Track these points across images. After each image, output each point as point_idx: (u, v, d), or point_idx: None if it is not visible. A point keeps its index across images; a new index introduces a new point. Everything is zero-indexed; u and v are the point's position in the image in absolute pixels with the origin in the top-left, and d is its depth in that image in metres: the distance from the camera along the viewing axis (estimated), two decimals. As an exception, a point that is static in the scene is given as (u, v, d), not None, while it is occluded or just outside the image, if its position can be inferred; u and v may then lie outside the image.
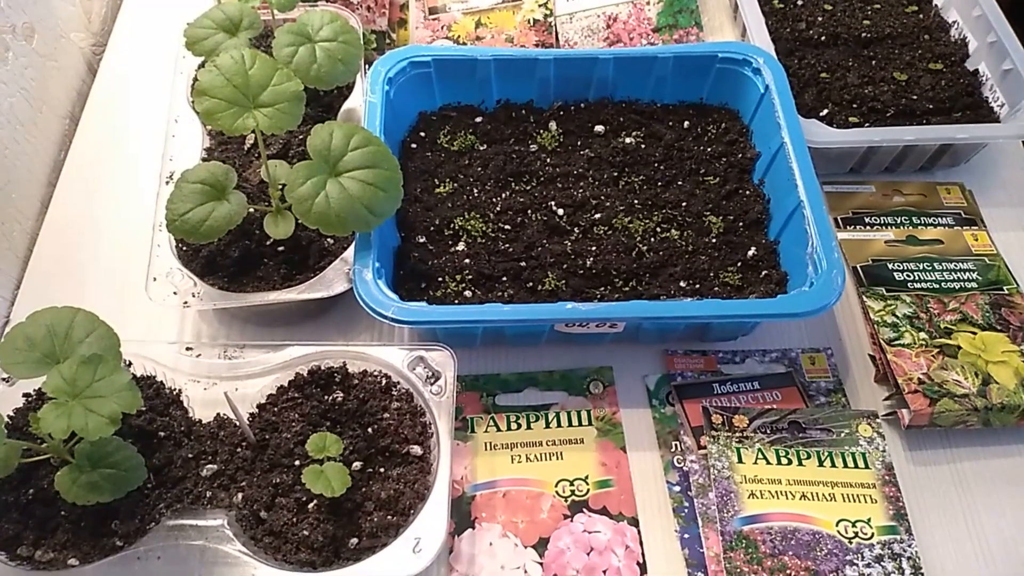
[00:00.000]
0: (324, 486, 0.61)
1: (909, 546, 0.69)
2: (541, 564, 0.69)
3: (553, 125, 0.90)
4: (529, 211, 0.84)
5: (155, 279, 0.75)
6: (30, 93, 0.92)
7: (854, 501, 0.71)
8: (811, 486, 0.72)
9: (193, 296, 0.74)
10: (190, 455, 0.67)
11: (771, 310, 0.73)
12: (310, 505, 0.64)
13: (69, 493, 0.59)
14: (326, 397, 0.70)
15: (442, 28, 1.00)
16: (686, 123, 0.90)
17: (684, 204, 0.84)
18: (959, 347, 0.78)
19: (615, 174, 0.87)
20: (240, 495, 0.65)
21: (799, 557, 0.68)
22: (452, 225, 0.82)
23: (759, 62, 0.86)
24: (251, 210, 0.74)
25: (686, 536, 0.71)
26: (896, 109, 0.92)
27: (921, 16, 1.02)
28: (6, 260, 0.85)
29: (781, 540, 0.69)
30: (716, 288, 0.79)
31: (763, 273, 0.80)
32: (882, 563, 0.68)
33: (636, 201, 0.85)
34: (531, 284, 0.78)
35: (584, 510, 0.72)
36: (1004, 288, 0.84)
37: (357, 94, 0.87)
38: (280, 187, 0.73)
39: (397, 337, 0.82)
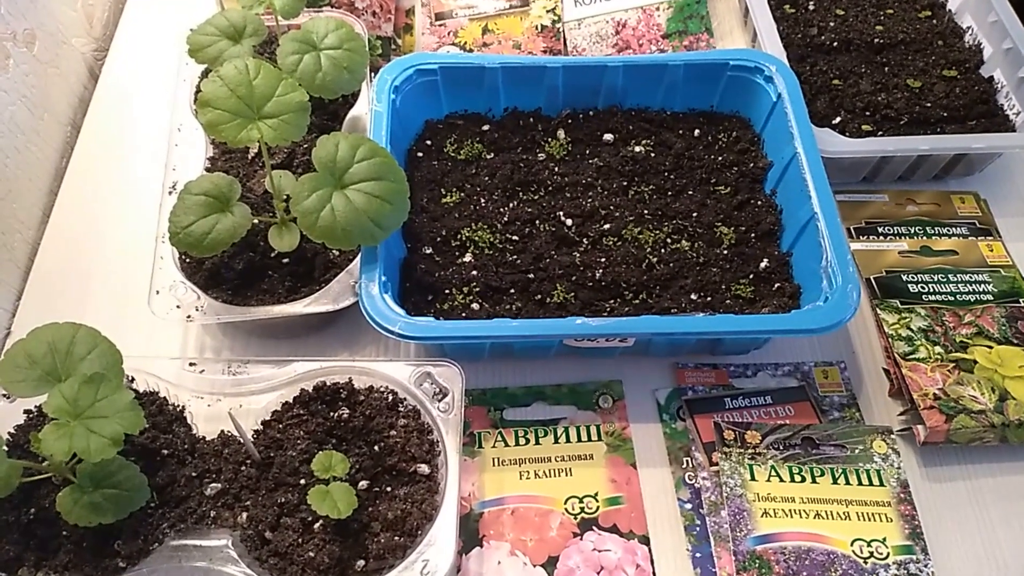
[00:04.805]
0: (330, 507, 0.60)
1: (925, 566, 0.68)
2: (550, 584, 0.68)
3: (561, 133, 0.89)
4: (537, 221, 0.82)
5: (158, 292, 0.74)
6: (31, 100, 0.91)
7: (869, 520, 0.70)
8: (825, 504, 0.71)
9: (196, 310, 0.73)
10: (194, 473, 0.65)
11: (785, 326, 0.72)
12: (316, 525, 0.63)
13: (71, 514, 0.58)
14: (332, 414, 0.68)
15: (448, 34, 0.99)
16: (697, 132, 0.89)
17: (695, 214, 0.83)
18: (975, 362, 0.77)
19: (624, 183, 0.86)
20: (244, 515, 0.64)
21: (814, 578, 0.67)
22: (459, 236, 0.81)
23: (771, 70, 0.84)
24: (255, 222, 0.73)
25: (698, 555, 0.69)
26: (910, 117, 0.90)
27: (935, 21, 1.00)
28: (7, 271, 0.84)
29: (795, 560, 0.67)
30: (728, 301, 0.77)
31: (776, 286, 0.78)
32: (898, 584, 0.67)
33: (646, 211, 0.83)
34: (539, 296, 0.77)
35: (594, 528, 0.71)
36: (1020, 300, 0.82)
37: (363, 102, 0.86)
38: (285, 199, 0.72)
39: (404, 350, 0.80)
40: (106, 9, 1.08)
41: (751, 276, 0.79)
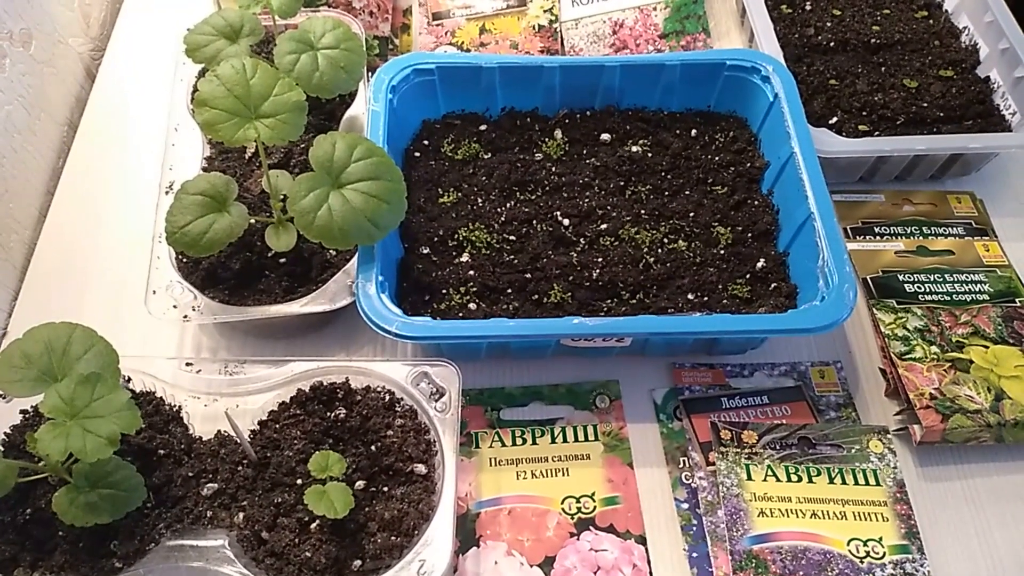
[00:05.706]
0: (327, 507, 0.60)
1: (921, 566, 0.68)
2: (547, 583, 0.68)
3: (559, 133, 0.89)
4: (534, 221, 0.82)
5: (155, 292, 0.73)
6: (28, 100, 0.90)
7: (865, 519, 0.70)
8: (822, 504, 0.71)
9: (193, 310, 0.73)
10: (190, 473, 0.65)
11: (782, 325, 0.72)
12: (312, 525, 0.63)
13: (67, 514, 0.58)
14: (328, 414, 0.68)
15: (446, 34, 0.98)
16: (693, 131, 0.89)
17: (692, 214, 0.83)
18: (971, 361, 0.77)
19: (621, 183, 0.86)
20: (241, 515, 0.64)
21: (810, 577, 0.67)
22: (456, 236, 0.81)
23: (768, 70, 0.84)
24: (252, 221, 0.73)
25: (695, 555, 0.70)
26: (906, 117, 0.90)
27: (931, 22, 1.01)
28: (4, 271, 0.84)
29: (791, 560, 0.68)
30: (724, 301, 0.77)
31: (772, 286, 0.79)
32: (894, 583, 0.67)
33: (643, 211, 0.83)
34: (536, 296, 0.77)
35: (591, 528, 0.71)
36: (1016, 300, 0.82)
37: (360, 102, 0.86)
38: (282, 198, 0.72)
39: (400, 350, 0.80)
40: (103, 9, 1.08)
41: (748, 276, 0.79)
